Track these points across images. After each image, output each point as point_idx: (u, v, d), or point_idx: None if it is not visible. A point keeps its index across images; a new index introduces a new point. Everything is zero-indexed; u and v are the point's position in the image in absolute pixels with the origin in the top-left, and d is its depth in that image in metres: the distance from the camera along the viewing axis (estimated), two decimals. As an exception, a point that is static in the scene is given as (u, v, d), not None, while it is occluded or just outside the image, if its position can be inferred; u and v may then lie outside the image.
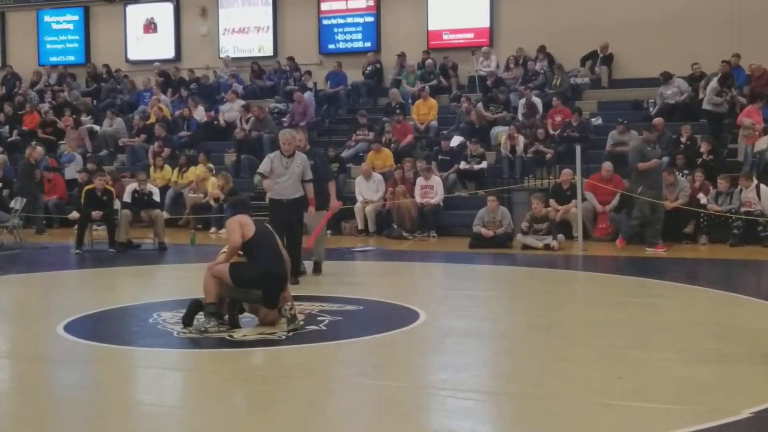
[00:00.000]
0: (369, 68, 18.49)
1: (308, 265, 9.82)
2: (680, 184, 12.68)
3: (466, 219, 13.06)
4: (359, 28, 19.17)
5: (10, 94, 20.58)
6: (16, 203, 13.80)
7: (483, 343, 6.65)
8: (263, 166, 9.15)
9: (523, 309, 8.04)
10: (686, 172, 13.29)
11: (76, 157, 17.19)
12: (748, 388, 5.14)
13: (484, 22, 18.27)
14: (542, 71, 17.13)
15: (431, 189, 13.99)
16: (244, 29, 20.05)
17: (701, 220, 12.41)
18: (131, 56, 21.05)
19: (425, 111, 16.69)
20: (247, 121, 17.03)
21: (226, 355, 6.27)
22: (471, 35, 18.45)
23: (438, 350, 6.37)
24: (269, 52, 19.85)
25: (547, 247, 11.99)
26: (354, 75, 18.50)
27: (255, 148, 16.20)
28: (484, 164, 14.75)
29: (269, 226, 7.16)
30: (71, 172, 16.71)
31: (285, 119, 17.41)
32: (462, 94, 17.21)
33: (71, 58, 21.60)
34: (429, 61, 17.99)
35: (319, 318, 7.19)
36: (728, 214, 12.21)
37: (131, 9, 21.01)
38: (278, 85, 18.85)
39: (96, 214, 12.46)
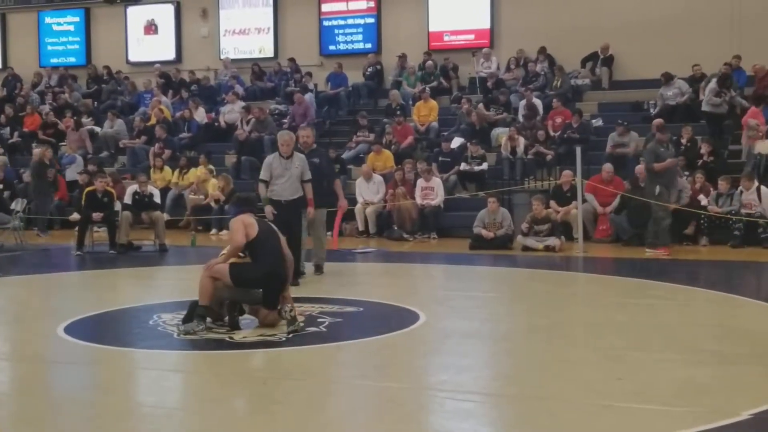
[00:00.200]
0: (369, 69, 18.50)
1: (308, 265, 9.84)
2: (679, 186, 12.66)
3: (466, 220, 13.07)
4: (360, 30, 19.18)
5: (11, 96, 20.60)
6: (17, 204, 13.80)
7: (483, 344, 6.65)
8: (264, 173, 9.16)
9: (524, 310, 8.04)
10: (687, 173, 13.29)
11: (77, 159, 17.21)
12: (748, 389, 5.14)
13: (485, 24, 18.28)
14: (543, 72, 17.13)
15: (432, 190, 13.99)
16: (245, 30, 20.07)
17: (702, 221, 12.41)
18: (132, 58, 21.07)
19: (426, 112, 16.70)
20: (247, 122, 17.03)
21: (226, 357, 6.27)
22: (471, 36, 18.46)
23: (438, 352, 6.37)
24: (270, 53, 19.86)
25: (547, 248, 11.99)
26: (354, 76, 18.51)
27: (255, 150, 16.20)
28: (484, 165, 14.76)
29: (273, 226, 7.15)
30: (72, 173, 16.72)
31: (285, 120, 17.42)
32: (462, 95, 17.21)
33: (72, 60, 21.62)
34: (429, 62, 18.00)
35: (319, 319, 7.19)
36: (729, 216, 12.21)
37: (132, 10, 21.02)
38: (279, 87, 18.86)
39: (96, 215, 12.47)
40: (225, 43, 20.19)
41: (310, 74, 18.71)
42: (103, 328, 7.36)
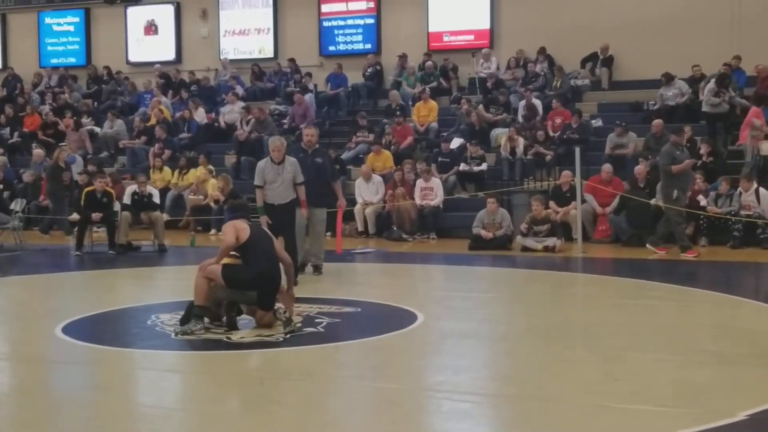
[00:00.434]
0: (369, 70, 18.50)
1: (308, 266, 9.87)
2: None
3: (465, 221, 13.06)
4: (360, 30, 19.17)
5: (11, 96, 20.60)
6: (16, 205, 13.81)
7: (481, 345, 6.65)
8: (258, 179, 9.30)
9: (522, 311, 8.04)
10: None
11: (77, 159, 17.18)
12: (746, 390, 5.14)
13: (485, 24, 18.27)
14: (542, 73, 17.13)
15: (431, 191, 13.98)
16: (245, 31, 20.06)
17: (701, 222, 12.40)
18: (132, 58, 21.07)
19: (425, 113, 16.70)
20: (247, 122, 17.04)
21: (223, 357, 6.28)
22: (471, 37, 18.45)
23: (436, 352, 6.37)
24: (270, 53, 19.85)
25: (546, 249, 11.99)
26: (354, 77, 18.51)
27: (255, 150, 16.18)
28: (484, 166, 14.75)
29: (266, 230, 7.18)
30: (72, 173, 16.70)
31: (285, 121, 17.43)
32: (462, 95, 17.21)
33: (72, 60, 21.61)
34: (429, 62, 18.00)
35: (317, 320, 7.19)
36: (728, 216, 12.20)
37: (132, 11, 21.02)
38: (279, 87, 18.86)
39: (96, 216, 12.47)
40: (225, 44, 20.18)
41: (309, 75, 18.71)
42: (101, 329, 7.36)
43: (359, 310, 7.86)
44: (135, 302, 8.48)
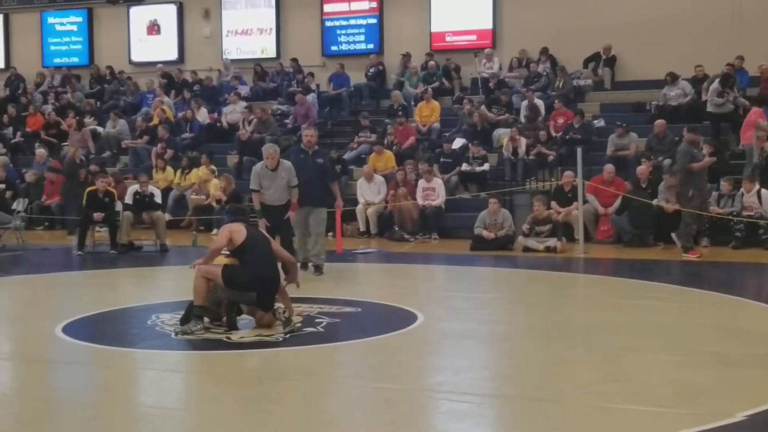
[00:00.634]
0: (371, 70, 18.49)
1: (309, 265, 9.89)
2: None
3: (467, 221, 13.05)
4: (362, 30, 19.17)
5: (14, 96, 20.63)
6: (18, 204, 13.83)
7: (481, 345, 6.63)
8: (254, 183, 9.52)
9: (523, 311, 8.03)
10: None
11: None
12: (745, 391, 5.13)
13: (487, 24, 18.26)
14: (545, 73, 17.11)
15: (433, 191, 13.97)
16: (247, 31, 20.07)
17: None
18: (134, 58, 21.09)
19: (427, 113, 16.68)
20: (249, 122, 17.04)
21: (223, 357, 6.27)
22: (474, 37, 18.44)
23: (435, 352, 6.36)
24: (272, 53, 19.86)
25: (548, 249, 11.97)
26: (357, 77, 18.50)
27: (257, 150, 16.09)
28: (486, 166, 14.74)
29: (263, 232, 7.20)
30: (73, 173, 16.73)
31: (287, 121, 17.43)
32: (464, 96, 17.19)
33: (75, 60, 21.64)
34: (431, 62, 17.99)
35: (317, 320, 7.19)
36: (730, 217, 12.18)
37: (134, 11, 21.04)
38: (281, 87, 18.86)
39: (97, 215, 12.48)
40: (227, 44, 20.20)
41: (312, 74, 18.71)
42: (101, 328, 7.36)
43: (359, 310, 7.85)
44: (136, 302, 8.49)
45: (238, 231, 6.78)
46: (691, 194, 11.26)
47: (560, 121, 15.57)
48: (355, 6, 19.15)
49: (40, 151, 17.15)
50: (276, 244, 7.31)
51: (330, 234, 12.31)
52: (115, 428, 4.65)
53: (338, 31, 19.38)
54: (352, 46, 19.27)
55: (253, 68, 19.36)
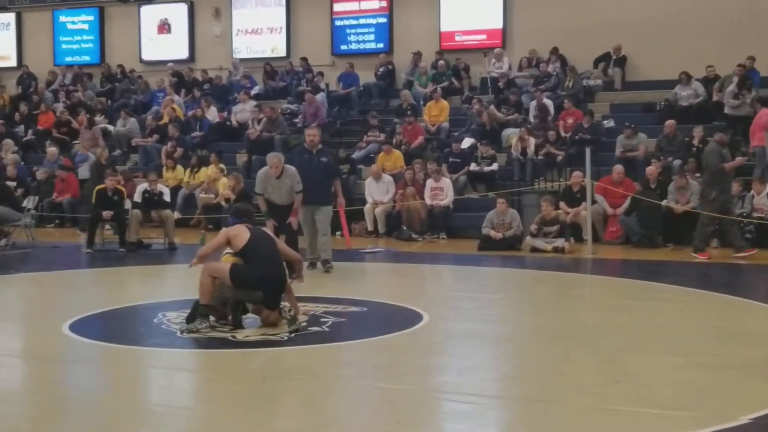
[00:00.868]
0: (381, 69, 18.49)
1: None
2: (691, 188, 12.59)
3: (475, 221, 13.03)
4: (372, 29, 19.17)
5: (26, 94, 20.75)
6: (29, 202, 13.90)
7: (486, 345, 6.63)
8: (259, 188, 9.72)
9: (529, 312, 8.02)
10: (698, 175, 13.20)
11: (90, 157, 17.28)
12: (748, 393, 5.11)
13: (497, 24, 18.23)
14: (555, 73, 17.07)
15: (441, 191, 13.97)
16: (257, 30, 20.11)
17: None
18: (145, 56, 21.17)
19: (437, 112, 16.67)
20: (259, 121, 17.08)
21: (227, 356, 6.29)
22: (483, 36, 18.41)
23: (440, 352, 6.37)
24: (282, 53, 19.89)
25: (556, 249, 11.94)
26: (366, 76, 18.51)
27: (266, 149, 16.13)
28: (494, 166, 14.72)
29: (267, 232, 7.22)
30: (84, 171, 16.81)
31: (297, 120, 17.45)
32: (474, 95, 17.17)
33: (86, 59, 21.73)
34: (441, 62, 17.97)
35: (322, 319, 7.20)
36: (740, 218, 12.11)
37: (145, 9, 21.12)
38: (291, 86, 18.89)
39: (107, 213, 12.53)
40: (237, 43, 20.24)
41: (321, 74, 18.73)
42: (107, 326, 7.41)
43: (365, 309, 7.86)
44: (143, 300, 8.54)
45: (237, 235, 6.81)
46: (713, 196, 11.18)
47: (569, 121, 15.53)
48: (365, 5, 19.16)
49: (51, 150, 17.23)
50: (281, 242, 7.33)
51: (338, 233, 12.33)
52: (119, 426, 4.67)
53: (348, 31, 19.39)
54: (361, 46, 19.27)
55: (263, 67, 19.40)
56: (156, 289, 9.87)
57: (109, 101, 20.05)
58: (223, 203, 14.89)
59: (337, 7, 19.38)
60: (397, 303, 8.08)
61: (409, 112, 16.56)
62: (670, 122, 14.41)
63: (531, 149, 14.80)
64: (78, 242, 13.12)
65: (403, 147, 15.63)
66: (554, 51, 17.36)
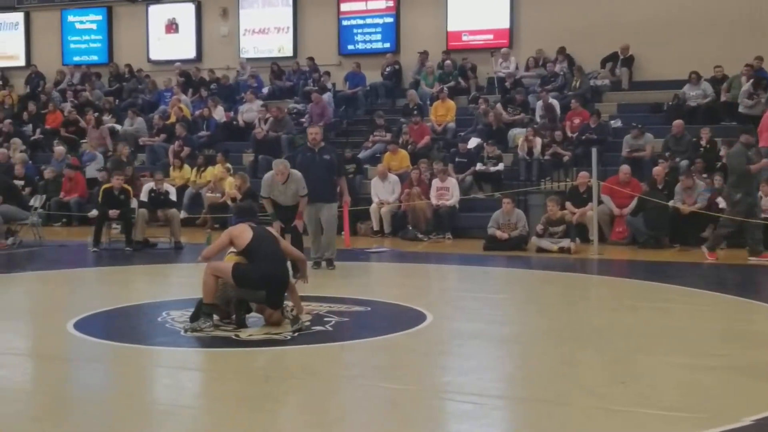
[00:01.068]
0: (388, 69, 18.48)
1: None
2: (698, 188, 12.54)
3: (481, 221, 13.01)
4: (378, 29, 19.16)
5: (34, 93, 20.82)
6: (36, 201, 13.95)
7: (489, 345, 6.60)
8: (264, 191, 9.84)
9: (533, 312, 7.99)
10: (705, 176, 13.15)
11: (98, 156, 17.35)
12: (753, 395, 5.08)
13: (504, 23, 18.19)
14: (562, 73, 17.02)
15: (447, 191, 13.95)
16: (265, 30, 20.12)
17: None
18: (153, 56, 21.20)
19: (443, 112, 16.65)
20: (265, 121, 17.09)
21: (230, 355, 6.29)
22: (490, 36, 18.37)
23: (442, 353, 6.35)
24: (289, 52, 19.89)
25: (562, 250, 11.90)
26: (373, 76, 18.50)
27: (273, 149, 16.25)
28: (500, 166, 14.69)
29: (271, 231, 7.21)
30: (92, 170, 16.88)
31: (303, 119, 17.46)
32: (480, 95, 17.14)
33: (94, 58, 21.78)
34: (448, 62, 17.95)
35: (326, 319, 7.20)
36: (747, 219, 12.01)
37: (153, 9, 21.16)
38: (297, 86, 18.89)
39: (113, 212, 12.56)
40: (245, 43, 20.25)
41: (328, 73, 18.73)
42: (111, 325, 7.41)
43: (369, 309, 7.85)
44: (147, 299, 8.55)
45: (239, 235, 6.81)
46: (738, 198, 11.09)
47: (576, 121, 15.49)
48: (371, 5, 19.14)
49: (59, 149, 17.29)
50: (285, 242, 7.34)
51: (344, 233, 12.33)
52: (122, 424, 4.67)
53: (355, 30, 19.38)
54: (368, 45, 19.26)
55: (270, 67, 19.41)
56: (161, 288, 9.88)
57: (117, 101, 20.10)
58: (229, 202, 14.89)
59: (344, 6, 19.37)
60: (401, 303, 8.06)
61: (415, 112, 16.55)
62: (677, 122, 14.37)
63: (537, 149, 14.76)
64: (85, 241, 13.15)
65: (409, 147, 15.61)
66: (561, 51, 17.32)
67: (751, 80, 14.68)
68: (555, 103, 16.03)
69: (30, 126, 19.50)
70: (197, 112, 18.42)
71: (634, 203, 12.74)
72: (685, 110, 15.28)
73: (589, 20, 17.19)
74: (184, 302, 7.71)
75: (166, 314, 7.37)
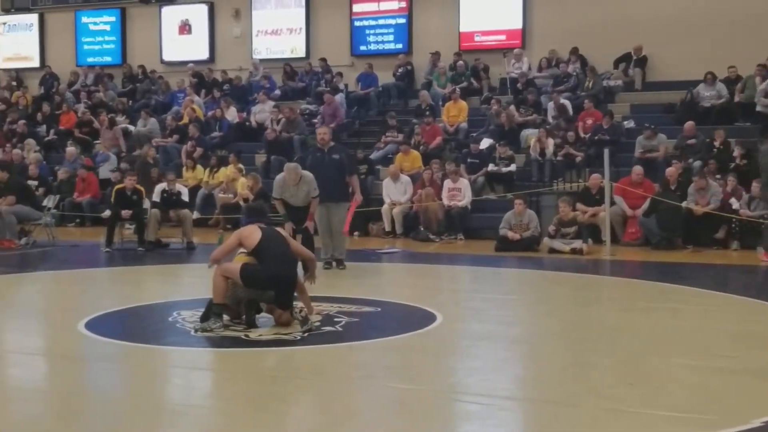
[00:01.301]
0: (400, 70, 18.49)
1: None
2: (712, 189, 12.47)
3: (493, 222, 12.99)
4: (391, 30, 19.17)
5: (48, 94, 20.96)
6: (49, 201, 14.04)
7: (498, 346, 6.58)
8: (276, 193, 9.93)
9: (543, 313, 7.97)
10: (718, 176, 13.08)
11: (111, 157, 17.44)
12: (763, 396, 5.04)
13: (517, 24, 18.16)
14: (575, 73, 16.98)
15: (459, 191, 13.94)
16: (277, 31, 20.17)
17: (733, 225, 12.19)
18: (166, 57, 21.30)
19: (455, 113, 16.64)
20: (278, 122, 17.13)
21: (240, 355, 6.30)
22: (503, 37, 18.35)
23: (451, 353, 6.34)
24: (302, 53, 19.94)
25: (574, 251, 11.86)
26: (385, 77, 18.51)
27: (285, 149, 16.28)
28: (512, 167, 14.66)
29: (280, 231, 7.22)
30: (105, 171, 16.97)
31: (316, 120, 17.48)
32: (493, 96, 17.12)
33: (108, 59, 21.91)
34: (460, 62, 17.93)
35: (336, 319, 7.20)
36: (761, 220, 11.97)
37: (166, 10, 21.26)
38: (310, 87, 18.93)
39: (125, 213, 12.62)
40: (257, 44, 20.32)
41: (340, 74, 18.76)
42: (122, 325, 7.45)
43: (379, 310, 7.84)
44: (159, 299, 8.58)
45: (249, 236, 6.82)
46: None
47: (589, 121, 15.44)
48: (384, 6, 19.16)
49: (70, 150, 17.40)
50: (295, 242, 7.35)
51: (356, 233, 12.34)
52: (132, 424, 4.68)
53: (367, 31, 19.39)
54: (381, 46, 19.27)
55: (283, 68, 19.45)
56: (172, 288, 9.91)
57: (130, 101, 20.21)
58: (241, 203, 14.92)
59: (357, 7, 19.39)
60: (412, 303, 8.06)
61: (427, 113, 16.54)
62: (689, 124, 14.31)
63: (550, 150, 14.72)
64: (98, 241, 13.23)
65: (421, 147, 15.61)
66: (574, 51, 17.28)
67: (759, 80, 14.59)
68: (567, 103, 15.98)
69: (44, 127, 19.64)
70: (210, 113, 18.49)
71: (646, 204, 12.68)
72: (699, 110, 15.20)
73: (602, 20, 17.14)
74: (195, 302, 7.72)
75: (177, 314, 7.40)
